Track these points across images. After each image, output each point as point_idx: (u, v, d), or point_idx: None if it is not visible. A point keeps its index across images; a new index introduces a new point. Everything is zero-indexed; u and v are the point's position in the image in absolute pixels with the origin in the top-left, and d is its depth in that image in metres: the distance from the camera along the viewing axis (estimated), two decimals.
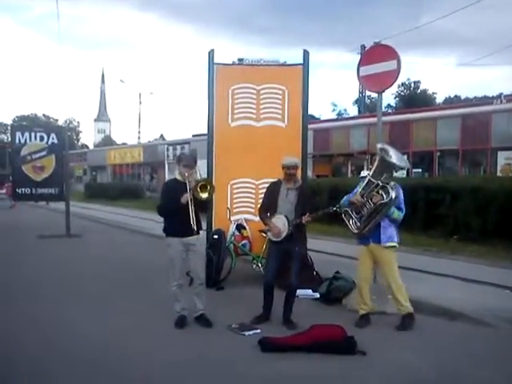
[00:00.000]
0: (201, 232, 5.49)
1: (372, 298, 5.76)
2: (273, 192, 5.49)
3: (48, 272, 8.28)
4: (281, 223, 5.31)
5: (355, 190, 5.45)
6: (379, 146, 5.50)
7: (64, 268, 8.65)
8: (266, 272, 5.57)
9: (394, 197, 5.14)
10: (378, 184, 5.24)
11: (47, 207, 21.25)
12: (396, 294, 5.32)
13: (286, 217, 5.28)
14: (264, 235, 5.64)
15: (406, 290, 5.37)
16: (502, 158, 17.73)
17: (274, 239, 5.39)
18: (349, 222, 5.43)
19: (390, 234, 5.31)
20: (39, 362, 4.31)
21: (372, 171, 5.42)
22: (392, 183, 5.25)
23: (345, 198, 5.51)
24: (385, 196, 5.16)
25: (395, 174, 6.28)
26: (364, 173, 8.92)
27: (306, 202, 5.42)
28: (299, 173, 5.86)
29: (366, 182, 5.36)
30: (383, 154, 5.31)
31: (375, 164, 5.47)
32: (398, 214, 5.28)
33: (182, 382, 3.99)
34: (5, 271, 8.32)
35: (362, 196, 5.30)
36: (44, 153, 13.17)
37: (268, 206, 5.49)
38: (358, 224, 5.36)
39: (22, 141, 13.08)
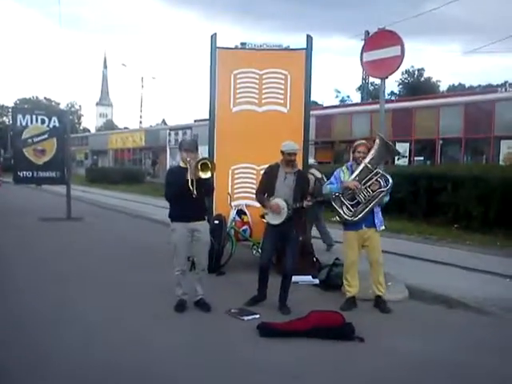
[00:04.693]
0: (206, 218, 5.49)
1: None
2: (271, 176, 5.46)
3: (49, 253, 8.29)
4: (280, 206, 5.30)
5: (337, 175, 5.53)
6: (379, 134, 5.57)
7: (65, 250, 8.67)
8: (262, 254, 5.58)
9: (392, 185, 5.34)
10: (377, 172, 5.39)
11: (47, 190, 21.23)
12: (382, 277, 5.53)
13: (286, 200, 5.27)
14: (264, 220, 5.63)
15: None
16: (505, 146, 17.63)
17: (273, 222, 5.37)
18: (341, 208, 5.44)
19: (381, 218, 5.52)
20: (39, 343, 4.33)
21: (370, 158, 5.43)
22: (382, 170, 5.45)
23: (332, 185, 5.53)
24: (383, 184, 5.34)
25: (397, 162, 6.35)
26: (311, 160, 8.81)
27: (305, 187, 5.46)
28: (299, 158, 5.84)
29: (361, 168, 5.42)
30: (386, 139, 5.44)
31: (374, 150, 5.46)
32: (386, 201, 5.48)
33: (181, 365, 3.99)
34: (6, 252, 8.34)
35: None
36: (45, 136, 13.11)
37: (265, 190, 5.47)
38: (352, 211, 5.40)
39: (24, 124, 13.02)
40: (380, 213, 5.53)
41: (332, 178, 5.59)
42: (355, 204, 5.40)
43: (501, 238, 9.66)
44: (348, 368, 4.00)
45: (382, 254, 5.65)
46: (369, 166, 5.37)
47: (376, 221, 5.46)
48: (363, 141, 5.74)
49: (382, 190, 5.34)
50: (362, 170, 5.39)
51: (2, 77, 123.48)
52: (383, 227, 5.56)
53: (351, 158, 5.70)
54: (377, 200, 5.36)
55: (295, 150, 5.38)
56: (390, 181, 5.35)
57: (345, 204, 5.42)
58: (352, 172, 5.51)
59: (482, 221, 10.36)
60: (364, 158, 5.45)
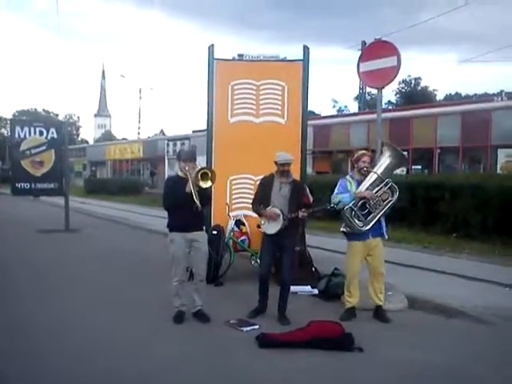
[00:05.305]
0: (204, 228, 5.48)
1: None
2: (266, 186, 5.50)
3: (47, 266, 8.26)
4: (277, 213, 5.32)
5: (343, 185, 5.50)
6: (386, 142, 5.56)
7: (63, 261, 8.65)
8: (260, 264, 5.59)
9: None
10: (387, 182, 5.42)
11: (45, 202, 21.21)
12: (382, 287, 5.52)
13: (281, 210, 5.28)
14: (260, 229, 5.64)
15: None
16: (503, 155, 17.70)
17: (269, 232, 5.38)
18: (353, 219, 5.34)
19: (385, 227, 5.53)
20: (41, 352, 4.30)
21: (382, 168, 5.45)
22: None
23: (343, 194, 5.44)
24: (391, 194, 5.40)
25: (395, 172, 6.36)
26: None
27: (300, 197, 5.47)
28: (297, 169, 5.85)
29: (374, 178, 5.42)
30: (397, 148, 5.50)
31: (384, 161, 5.47)
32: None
33: (180, 376, 3.98)
34: (4, 264, 8.31)
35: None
36: (43, 147, 13.11)
37: (261, 200, 5.49)
38: (363, 220, 5.37)
39: (22, 135, 13.03)
40: (384, 222, 5.55)
41: (340, 188, 5.53)
42: (366, 214, 5.39)
43: (499, 246, 9.66)
44: (347, 378, 3.99)
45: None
46: (381, 176, 5.40)
47: (384, 230, 5.50)
48: (364, 151, 5.77)
49: (391, 199, 5.40)
50: (375, 180, 5.40)
51: (0, 89, 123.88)
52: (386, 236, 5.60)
53: (355, 168, 5.62)
54: (385, 209, 5.40)
55: (288, 161, 5.40)
56: (397, 192, 5.40)
57: (356, 214, 5.37)
58: (358, 182, 5.50)
59: (481, 229, 10.36)
60: (368, 167, 5.47)
